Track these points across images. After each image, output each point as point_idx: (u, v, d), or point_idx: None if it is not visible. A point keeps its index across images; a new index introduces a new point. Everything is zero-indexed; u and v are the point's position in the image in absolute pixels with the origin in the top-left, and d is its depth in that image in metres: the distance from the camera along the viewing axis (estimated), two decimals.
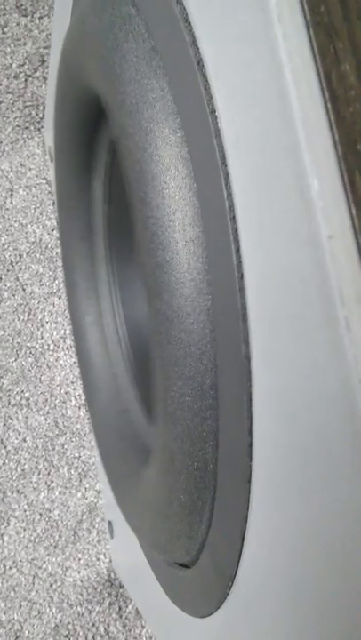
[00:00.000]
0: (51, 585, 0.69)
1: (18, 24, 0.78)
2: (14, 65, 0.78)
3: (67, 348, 0.73)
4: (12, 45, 0.78)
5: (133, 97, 0.27)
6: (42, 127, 0.77)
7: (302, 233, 0.17)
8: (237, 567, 0.28)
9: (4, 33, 0.78)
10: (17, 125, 0.77)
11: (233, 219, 0.22)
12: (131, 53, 0.28)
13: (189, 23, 0.24)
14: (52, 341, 0.73)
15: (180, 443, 0.28)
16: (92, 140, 0.48)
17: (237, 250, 0.22)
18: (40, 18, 0.79)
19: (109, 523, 0.66)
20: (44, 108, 0.77)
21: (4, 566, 0.68)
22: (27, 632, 0.67)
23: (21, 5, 0.78)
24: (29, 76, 0.78)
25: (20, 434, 0.70)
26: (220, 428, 0.26)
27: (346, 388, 0.17)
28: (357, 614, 0.20)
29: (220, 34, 0.21)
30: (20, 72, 0.78)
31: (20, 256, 0.74)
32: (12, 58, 0.78)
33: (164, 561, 0.40)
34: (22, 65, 0.78)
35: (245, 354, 0.23)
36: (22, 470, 0.69)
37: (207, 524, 0.30)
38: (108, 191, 0.52)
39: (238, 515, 0.26)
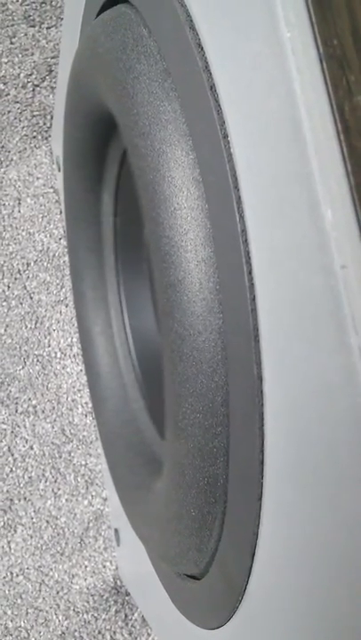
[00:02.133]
0: (57, 592, 0.69)
1: (26, 34, 0.79)
2: (22, 75, 0.78)
3: (73, 355, 0.73)
4: (20, 55, 0.79)
5: (146, 118, 0.28)
6: (49, 136, 0.78)
7: (316, 261, 0.18)
8: (248, 581, 0.29)
9: (12, 43, 0.79)
10: (25, 135, 0.77)
11: (245, 242, 0.23)
12: (143, 75, 0.29)
13: (202, 49, 0.25)
14: (60, 349, 0.73)
15: (191, 458, 0.28)
16: (102, 154, 0.48)
17: (250, 272, 0.23)
18: (48, 28, 0.80)
19: (116, 530, 0.66)
20: (51, 117, 0.78)
21: (12, 574, 0.68)
22: (33, 639, 0.68)
23: (29, 16, 0.79)
24: (37, 85, 0.79)
25: (27, 441, 0.71)
26: (232, 445, 0.27)
27: (358, 411, 0.17)
28: None
29: (233, 62, 0.22)
30: (28, 82, 0.78)
31: (28, 264, 0.74)
32: (19, 68, 0.78)
33: (173, 572, 0.40)
34: (30, 75, 0.79)
35: (258, 374, 0.23)
36: (29, 478, 0.70)
37: (217, 538, 0.30)
38: (117, 204, 0.52)
39: (249, 530, 0.27)
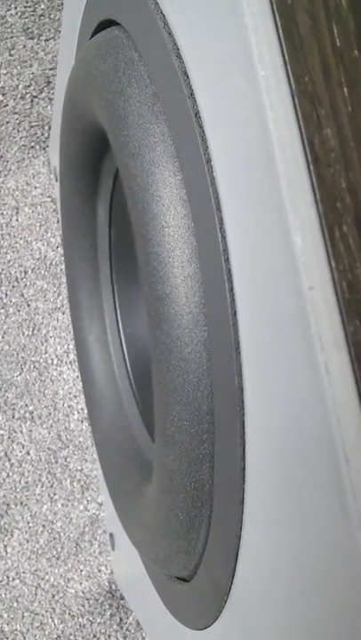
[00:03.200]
0: (53, 596, 0.70)
1: (24, 46, 0.80)
2: (20, 86, 0.80)
3: (70, 362, 0.75)
4: (19, 67, 0.80)
5: (136, 140, 0.29)
6: (47, 147, 0.79)
7: (287, 283, 0.19)
8: (232, 582, 0.30)
9: (10, 55, 0.80)
10: (23, 145, 0.79)
11: (227, 260, 0.24)
12: (134, 98, 0.30)
13: (188, 77, 0.26)
14: (56, 356, 0.74)
15: (179, 463, 0.30)
16: (97, 167, 0.50)
17: (231, 289, 0.24)
18: (46, 40, 0.81)
19: (111, 535, 0.67)
20: (49, 128, 0.80)
21: (8, 577, 0.69)
22: None
23: (28, 28, 0.81)
24: (35, 96, 0.80)
25: (23, 447, 0.72)
26: (217, 451, 0.28)
27: (326, 425, 0.18)
28: (342, 630, 0.22)
29: (215, 92, 0.23)
30: (27, 93, 0.80)
31: (26, 272, 0.76)
32: (18, 79, 0.80)
33: (164, 575, 0.41)
34: (28, 86, 0.80)
35: (238, 385, 0.24)
36: (26, 483, 0.71)
37: (204, 540, 0.32)
38: (112, 215, 0.54)
39: (232, 533, 0.28)
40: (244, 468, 0.25)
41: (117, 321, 0.57)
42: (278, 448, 0.22)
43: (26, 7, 0.81)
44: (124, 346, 0.57)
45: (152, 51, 0.29)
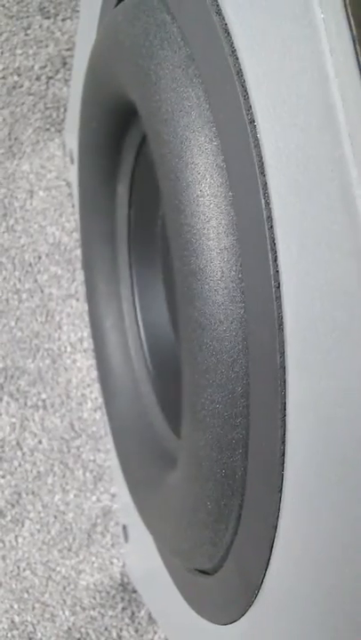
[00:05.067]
0: (64, 588, 0.69)
1: (40, 26, 0.78)
2: (36, 67, 0.78)
3: (84, 350, 0.73)
4: (35, 47, 0.78)
5: (169, 104, 0.27)
6: (63, 129, 0.78)
7: (347, 245, 0.17)
8: (264, 575, 0.28)
9: (26, 35, 0.78)
10: (38, 127, 0.77)
11: (271, 228, 0.22)
12: (167, 61, 0.28)
13: (229, 34, 0.24)
14: (70, 344, 0.73)
15: (209, 450, 0.28)
16: (118, 145, 0.48)
17: (275, 259, 0.22)
18: (63, 20, 0.80)
19: (124, 527, 0.66)
20: (65, 110, 0.78)
21: (19, 568, 0.68)
22: (39, 634, 0.67)
23: (44, 8, 0.79)
24: (51, 77, 0.78)
25: (35, 435, 0.70)
26: (251, 436, 0.26)
27: None
28: None
29: (262, 46, 0.22)
30: (42, 74, 0.78)
31: (39, 258, 0.74)
32: (34, 60, 0.78)
33: (185, 567, 0.40)
34: (44, 67, 0.78)
35: (281, 364, 0.23)
36: (38, 472, 0.70)
37: (233, 531, 0.30)
38: (132, 196, 0.52)
39: (268, 523, 0.26)
40: (283, 454, 0.24)
41: (135, 306, 0.55)
42: (326, 429, 0.20)
43: None
44: (141, 332, 0.55)
45: (188, 10, 0.27)
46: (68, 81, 0.78)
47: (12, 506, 0.69)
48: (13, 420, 0.70)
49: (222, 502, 0.29)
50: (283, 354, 0.23)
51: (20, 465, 0.69)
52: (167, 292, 0.54)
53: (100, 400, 0.72)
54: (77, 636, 0.68)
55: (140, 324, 0.55)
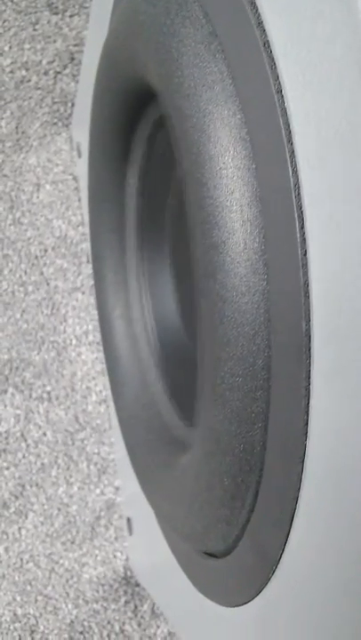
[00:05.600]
0: (67, 580, 0.68)
1: (49, 22, 0.79)
2: (44, 62, 0.78)
3: (89, 343, 0.73)
4: (43, 42, 0.79)
5: (191, 79, 0.28)
6: (70, 123, 0.78)
7: None
8: (283, 551, 0.28)
9: (34, 30, 0.79)
10: (45, 121, 0.77)
11: (298, 196, 0.23)
12: (188, 38, 0.28)
13: (255, 6, 0.24)
14: (75, 336, 0.73)
15: (228, 424, 0.28)
16: (130, 132, 0.48)
17: (302, 227, 0.22)
18: (71, 16, 0.80)
19: (128, 519, 0.66)
20: (72, 104, 0.78)
21: (22, 560, 0.68)
22: (42, 627, 0.67)
23: (52, 4, 0.79)
24: (59, 72, 0.79)
25: (40, 427, 0.70)
26: (272, 408, 0.26)
27: None
28: None
29: (291, 14, 0.22)
30: (50, 69, 0.78)
31: (46, 250, 0.74)
32: (42, 55, 0.78)
33: (196, 551, 0.40)
34: (52, 62, 0.79)
35: (306, 331, 0.23)
36: (42, 464, 0.69)
37: (250, 508, 0.30)
38: (142, 185, 0.52)
39: (288, 496, 0.26)
40: (307, 422, 0.24)
41: (143, 296, 0.55)
42: (351, 397, 0.20)
43: None
44: (149, 322, 0.55)
45: None
46: (76, 76, 0.78)
47: (16, 498, 0.68)
48: (18, 411, 0.70)
49: (240, 478, 0.29)
50: (309, 321, 0.23)
51: (24, 457, 0.69)
52: (176, 281, 0.54)
53: (105, 393, 0.72)
54: (80, 629, 0.68)
55: (149, 313, 0.55)
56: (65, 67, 0.79)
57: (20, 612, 0.67)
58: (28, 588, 0.67)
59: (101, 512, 0.70)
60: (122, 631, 0.68)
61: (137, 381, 0.53)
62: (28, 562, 0.68)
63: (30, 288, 0.73)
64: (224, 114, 0.26)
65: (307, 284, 0.22)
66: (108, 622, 0.68)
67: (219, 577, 0.36)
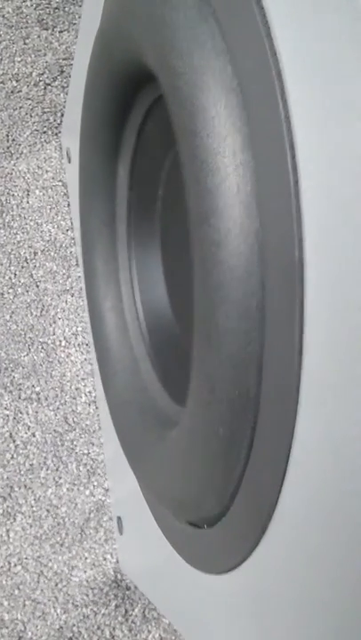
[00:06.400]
0: (56, 584, 0.67)
1: (39, 36, 0.81)
2: (34, 74, 0.80)
3: (78, 344, 0.73)
4: (33, 56, 0.81)
5: (184, 41, 0.29)
6: (59, 132, 0.80)
7: None
8: (278, 499, 0.28)
9: (25, 44, 0.81)
10: (35, 130, 0.79)
11: (290, 136, 0.24)
12: (181, 4, 0.30)
13: None
14: (64, 338, 0.73)
15: (223, 369, 0.29)
16: (121, 123, 0.50)
17: (293, 157, 0.23)
18: (60, 32, 0.82)
19: (119, 518, 0.65)
20: (62, 115, 0.80)
21: (9, 563, 0.66)
22: (30, 633, 0.65)
23: (43, 20, 0.82)
24: (48, 84, 0.81)
25: (29, 428, 0.70)
26: (266, 349, 0.27)
27: None
28: None
29: None
30: (40, 80, 0.80)
31: (35, 253, 0.75)
32: (32, 67, 0.81)
33: (189, 526, 0.39)
34: (42, 74, 0.81)
35: (299, 258, 0.24)
36: (30, 465, 0.69)
37: (245, 458, 0.30)
38: (133, 177, 0.53)
39: (282, 441, 0.27)
40: (300, 362, 0.24)
41: (133, 288, 0.56)
42: (346, 332, 0.21)
43: (41, 0, 0.83)
44: (140, 313, 0.56)
45: None
46: (65, 88, 0.80)
47: (4, 499, 0.67)
48: (7, 412, 0.70)
49: (235, 425, 0.29)
50: (301, 248, 0.24)
51: (12, 457, 0.68)
52: (166, 271, 0.55)
53: (95, 394, 0.72)
54: (69, 635, 0.66)
55: (139, 304, 0.56)
56: (54, 79, 0.81)
57: (7, 617, 0.65)
58: (16, 592, 0.66)
59: (91, 514, 0.69)
60: (112, 637, 0.67)
61: (128, 370, 0.53)
62: (16, 565, 0.66)
63: (20, 290, 0.73)
64: (215, 67, 0.28)
65: (299, 212, 0.23)
66: (98, 627, 0.67)
67: (213, 546, 0.36)
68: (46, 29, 0.82)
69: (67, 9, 0.84)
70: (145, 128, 0.50)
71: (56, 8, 0.83)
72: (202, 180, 0.28)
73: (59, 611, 0.66)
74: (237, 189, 0.27)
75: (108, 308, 0.56)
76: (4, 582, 0.66)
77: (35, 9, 0.82)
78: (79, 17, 0.85)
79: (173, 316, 0.53)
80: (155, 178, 0.52)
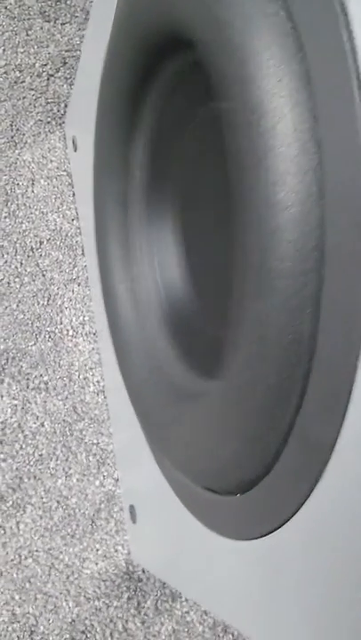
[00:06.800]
0: (67, 577, 0.66)
1: (41, 28, 0.81)
2: (37, 64, 0.80)
3: (85, 334, 0.73)
4: (36, 47, 0.81)
5: None
6: (63, 122, 0.79)
7: None
8: (334, 447, 0.28)
9: (27, 35, 0.81)
10: (39, 120, 0.79)
11: (357, 71, 0.24)
12: None
13: None
14: (72, 327, 0.72)
15: (277, 315, 0.28)
16: (139, 103, 0.49)
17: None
18: (62, 24, 0.83)
19: (131, 507, 0.64)
20: (65, 105, 0.80)
21: (20, 556, 0.65)
22: (42, 627, 0.64)
23: (45, 12, 0.82)
24: (52, 75, 0.81)
25: (37, 418, 0.69)
26: (326, 287, 0.27)
27: None
28: None
29: None
30: (43, 71, 0.80)
31: (41, 243, 0.74)
32: (35, 58, 0.80)
33: (221, 493, 0.39)
34: (45, 65, 0.81)
35: None
36: (40, 456, 0.67)
37: (295, 409, 0.30)
38: (149, 157, 0.53)
39: (343, 374, 0.26)
40: None
41: (149, 268, 0.56)
42: None
43: None
44: (156, 293, 0.55)
45: None
46: (69, 79, 0.80)
47: (14, 490, 0.66)
48: (15, 402, 0.68)
49: (288, 373, 0.29)
50: None
51: (21, 448, 0.67)
52: (184, 251, 0.54)
53: (103, 384, 0.71)
54: (82, 628, 0.64)
55: (156, 285, 0.55)
56: (57, 70, 0.81)
57: (18, 611, 0.63)
58: (27, 585, 0.64)
59: (101, 504, 0.68)
60: (125, 629, 0.65)
61: (147, 348, 0.53)
62: (26, 558, 0.65)
63: (26, 279, 0.72)
64: (269, 11, 0.28)
65: None
66: (111, 620, 0.65)
67: (253, 509, 0.36)
68: (48, 21, 0.82)
69: (69, 2, 0.84)
70: (164, 107, 0.50)
71: (58, 1, 0.83)
72: (255, 124, 0.27)
73: (71, 604, 0.65)
74: (294, 128, 0.27)
75: (124, 289, 0.56)
76: (14, 575, 0.64)
77: (37, 1, 0.82)
78: (81, 9, 0.85)
79: (192, 293, 0.53)
80: (172, 156, 0.52)
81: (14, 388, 0.69)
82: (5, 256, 0.73)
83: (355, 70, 0.24)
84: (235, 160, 0.29)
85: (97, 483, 0.68)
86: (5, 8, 0.81)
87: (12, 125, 0.79)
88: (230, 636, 0.65)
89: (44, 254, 0.74)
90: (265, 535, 0.34)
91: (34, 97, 0.80)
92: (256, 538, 0.36)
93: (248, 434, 0.32)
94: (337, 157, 0.25)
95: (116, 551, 0.67)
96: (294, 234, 0.27)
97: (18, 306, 0.71)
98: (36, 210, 0.75)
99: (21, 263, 0.73)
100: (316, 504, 0.30)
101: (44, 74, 0.81)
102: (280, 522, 0.33)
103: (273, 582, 0.35)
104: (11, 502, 0.65)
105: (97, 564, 0.66)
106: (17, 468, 0.66)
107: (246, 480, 0.35)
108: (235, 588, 0.40)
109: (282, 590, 0.34)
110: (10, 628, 0.63)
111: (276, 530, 0.34)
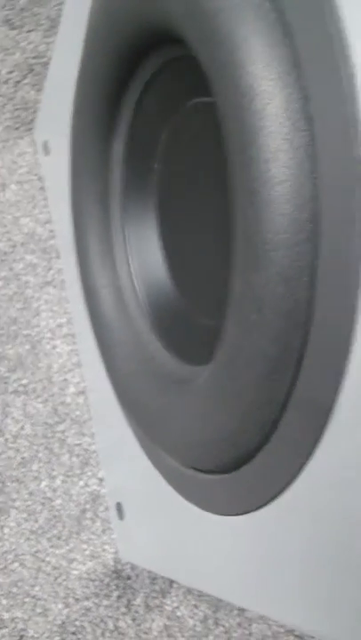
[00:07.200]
0: (55, 579, 0.65)
1: (7, 36, 0.82)
2: (4, 71, 0.81)
3: (63, 336, 0.73)
4: (2, 54, 0.81)
5: None
6: (32, 128, 0.80)
7: None
8: (330, 416, 0.29)
9: None
10: (8, 126, 0.79)
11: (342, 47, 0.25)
12: None
13: None
14: (49, 329, 0.72)
15: (273, 286, 0.30)
16: (118, 97, 0.51)
17: (350, 77, 0.25)
18: (28, 32, 0.83)
19: (118, 504, 0.64)
20: (34, 111, 0.80)
21: (6, 560, 0.64)
22: (31, 631, 0.63)
23: (10, 20, 0.82)
24: (19, 82, 0.81)
25: (18, 421, 0.68)
26: (321, 256, 0.28)
27: None
28: None
29: None
30: (10, 78, 0.81)
31: (14, 247, 0.74)
32: (1, 65, 0.81)
33: (223, 468, 0.39)
34: (12, 72, 0.81)
35: (358, 156, 0.25)
36: (22, 459, 0.67)
37: (291, 379, 0.31)
38: (128, 153, 0.54)
39: (340, 342, 0.28)
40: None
41: (129, 263, 0.56)
42: None
43: (7, 1, 0.84)
44: (138, 287, 0.56)
45: None
46: (36, 85, 0.81)
47: None
48: None
49: (285, 342, 0.30)
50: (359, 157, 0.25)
51: (2, 452, 0.67)
52: (165, 244, 0.55)
53: (83, 384, 0.71)
54: (72, 629, 0.64)
55: (136, 281, 0.56)
56: (25, 76, 0.82)
57: (6, 616, 0.63)
58: (15, 589, 0.64)
59: (87, 505, 0.68)
60: (116, 628, 0.65)
61: (131, 341, 0.53)
62: (12, 562, 0.64)
63: (0, 283, 0.72)
64: (253, 2, 0.29)
65: (356, 126, 0.25)
66: (102, 620, 0.65)
67: (249, 483, 0.37)
68: (14, 29, 0.83)
69: (33, 10, 0.85)
70: (143, 101, 0.51)
71: (22, 9, 0.84)
72: (247, 106, 0.29)
73: (60, 606, 0.64)
74: (285, 108, 0.28)
75: (104, 284, 0.57)
76: (1, 580, 0.63)
77: (1, 9, 0.83)
78: (46, 17, 0.86)
79: (174, 285, 0.54)
80: (151, 151, 0.54)
81: None
82: None
83: (342, 51, 0.26)
84: (230, 142, 0.30)
85: (81, 483, 0.68)
86: None
87: None
88: (222, 628, 0.65)
89: (17, 258, 0.74)
90: (264, 505, 0.35)
91: (2, 104, 0.80)
92: (255, 510, 0.37)
93: (247, 407, 0.34)
94: (328, 134, 0.27)
95: (104, 550, 0.67)
96: (288, 207, 0.28)
97: None
98: (7, 214, 0.75)
99: None
100: (315, 469, 0.32)
101: (11, 81, 0.81)
102: (278, 490, 0.34)
103: (271, 553, 0.36)
104: None
105: (85, 564, 0.66)
106: None
107: (245, 453, 0.36)
108: (233, 565, 0.41)
109: (281, 559, 0.35)
110: None
111: (275, 498, 0.35)
